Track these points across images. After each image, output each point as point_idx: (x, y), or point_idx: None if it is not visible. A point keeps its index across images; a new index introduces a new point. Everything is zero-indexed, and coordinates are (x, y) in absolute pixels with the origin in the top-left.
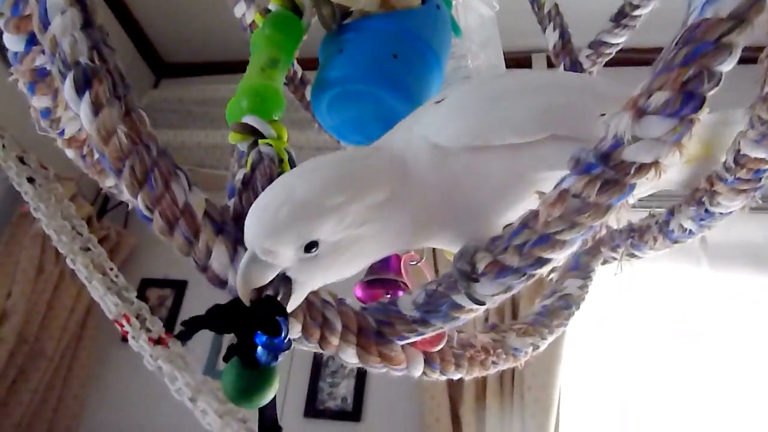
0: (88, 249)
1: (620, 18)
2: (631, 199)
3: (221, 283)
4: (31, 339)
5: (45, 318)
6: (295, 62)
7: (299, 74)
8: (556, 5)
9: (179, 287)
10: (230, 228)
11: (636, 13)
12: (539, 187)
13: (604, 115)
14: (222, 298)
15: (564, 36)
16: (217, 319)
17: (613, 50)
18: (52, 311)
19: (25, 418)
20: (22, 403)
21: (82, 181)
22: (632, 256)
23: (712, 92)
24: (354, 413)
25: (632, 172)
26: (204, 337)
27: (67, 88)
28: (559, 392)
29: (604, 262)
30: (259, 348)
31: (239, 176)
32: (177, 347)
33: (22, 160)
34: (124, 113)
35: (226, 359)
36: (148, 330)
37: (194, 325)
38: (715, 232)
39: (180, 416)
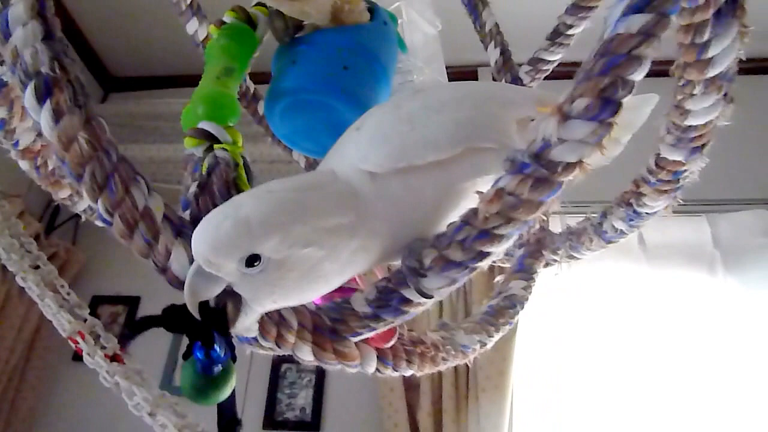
0: (38, 267)
1: (555, 36)
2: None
3: (180, 284)
4: None
5: None
6: (248, 78)
7: (252, 89)
8: (497, 24)
9: (132, 303)
10: (188, 230)
11: (570, 32)
12: (473, 192)
13: (531, 119)
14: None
15: (504, 53)
16: (170, 319)
17: (551, 66)
18: None
19: None
20: None
21: (28, 198)
22: (571, 257)
23: (626, 98)
24: (313, 423)
25: (559, 170)
26: (159, 351)
27: (28, 97)
28: (512, 392)
29: (546, 264)
30: (197, 356)
31: (195, 181)
32: (133, 363)
33: None
34: (84, 121)
35: (184, 357)
36: (103, 347)
37: (148, 322)
38: (653, 234)
39: None
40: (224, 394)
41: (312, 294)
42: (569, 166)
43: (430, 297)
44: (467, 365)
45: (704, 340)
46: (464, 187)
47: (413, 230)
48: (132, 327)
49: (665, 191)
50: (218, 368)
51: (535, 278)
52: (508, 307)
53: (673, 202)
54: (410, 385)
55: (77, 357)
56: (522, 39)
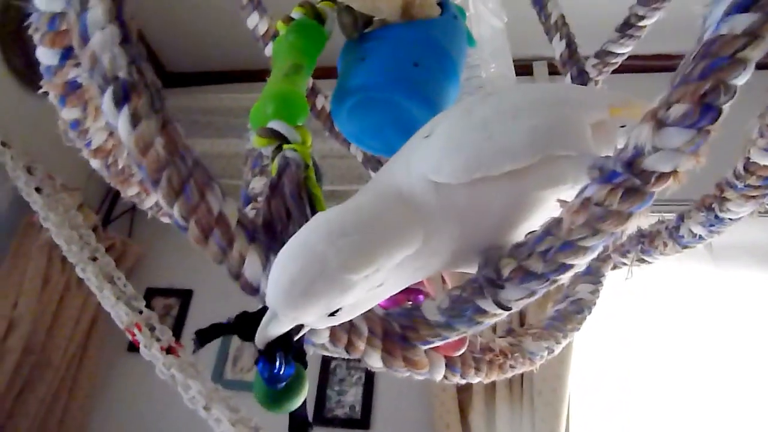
0: (96, 258)
1: (626, 28)
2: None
3: (253, 290)
4: (38, 349)
5: (51, 328)
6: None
7: (310, 83)
8: (563, 16)
9: (185, 296)
10: (262, 236)
11: (641, 23)
12: (545, 201)
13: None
14: (223, 305)
15: (570, 46)
16: (243, 327)
17: (619, 59)
18: (58, 321)
19: (31, 429)
20: (29, 415)
21: (86, 191)
22: (642, 261)
23: (728, 104)
24: (362, 421)
25: (652, 180)
26: (210, 346)
27: (107, 102)
28: (569, 397)
29: (614, 267)
30: (261, 370)
31: (260, 180)
32: (186, 356)
33: (29, 170)
34: (161, 126)
35: (257, 362)
36: (158, 339)
37: (218, 330)
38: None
39: (185, 426)
40: (297, 402)
41: (373, 305)
42: (663, 176)
43: (508, 309)
44: None
45: None
46: (536, 197)
47: (480, 239)
48: (202, 334)
49: (753, 197)
50: (282, 385)
51: (603, 282)
52: (575, 312)
53: (759, 208)
54: (463, 386)
55: (132, 348)
56: (589, 30)
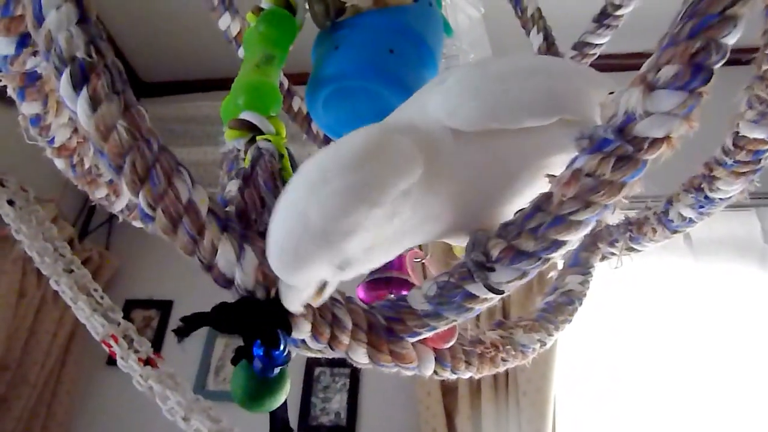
0: (72, 270)
1: (603, 18)
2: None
3: (227, 282)
4: (14, 365)
5: (27, 343)
6: (282, 73)
7: (285, 85)
8: (539, 9)
9: (165, 307)
10: (235, 225)
11: (618, 12)
12: (547, 172)
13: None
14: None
15: (548, 38)
16: (222, 317)
17: (597, 50)
18: (34, 336)
19: None
20: None
21: (62, 203)
22: (631, 249)
23: (719, 64)
24: (348, 427)
25: (645, 146)
26: (192, 356)
27: (64, 85)
28: (554, 396)
29: (603, 258)
30: (256, 359)
31: (236, 183)
32: (166, 367)
33: (1, 183)
34: (123, 108)
35: (233, 362)
36: (136, 351)
37: (197, 321)
38: (699, 229)
39: None
40: (279, 400)
41: (382, 261)
42: (656, 142)
43: (499, 292)
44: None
45: (755, 337)
46: (541, 165)
47: (479, 201)
48: (182, 327)
49: (743, 173)
50: (276, 370)
51: (592, 273)
52: (566, 303)
53: (750, 186)
54: (448, 389)
55: (111, 361)
56: (565, 23)
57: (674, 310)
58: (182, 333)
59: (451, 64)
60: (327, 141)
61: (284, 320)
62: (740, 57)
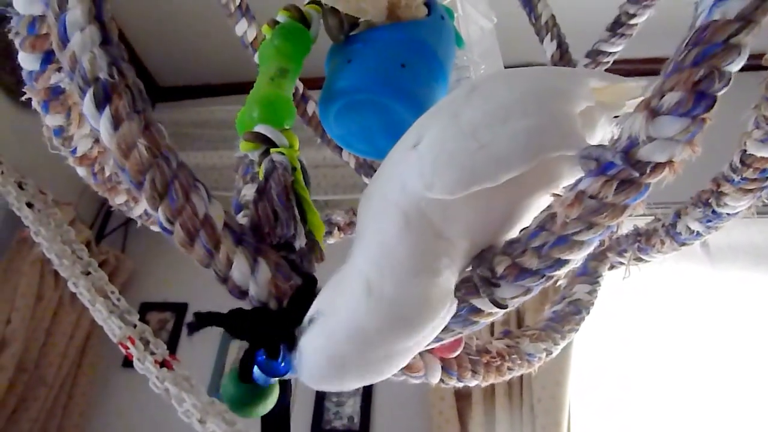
0: (89, 273)
1: (617, 27)
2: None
3: (241, 293)
4: (31, 367)
5: (45, 345)
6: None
7: (300, 90)
8: (553, 16)
9: (179, 310)
10: (249, 239)
11: (632, 21)
12: (546, 200)
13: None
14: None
15: (561, 46)
16: (233, 321)
17: (611, 59)
18: (51, 338)
19: None
20: None
21: (79, 206)
22: (639, 260)
23: (722, 92)
24: None
25: (648, 171)
26: (206, 359)
27: (87, 104)
28: (569, 403)
29: (611, 267)
30: (256, 367)
31: (251, 187)
32: (182, 370)
33: (20, 186)
34: (143, 127)
35: (241, 367)
36: (152, 353)
37: (209, 319)
38: (717, 236)
39: None
40: (268, 406)
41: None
42: (658, 167)
43: (504, 307)
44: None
45: None
46: (535, 198)
47: (490, 236)
48: (194, 322)
49: (750, 190)
50: (272, 380)
51: (600, 282)
52: (573, 313)
53: (757, 202)
54: (461, 395)
55: (127, 364)
56: (579, 31)
57: (690, 317)
58: (194, 328)
59: (462, 76)
60: (340, 147)
61: (289, 334)
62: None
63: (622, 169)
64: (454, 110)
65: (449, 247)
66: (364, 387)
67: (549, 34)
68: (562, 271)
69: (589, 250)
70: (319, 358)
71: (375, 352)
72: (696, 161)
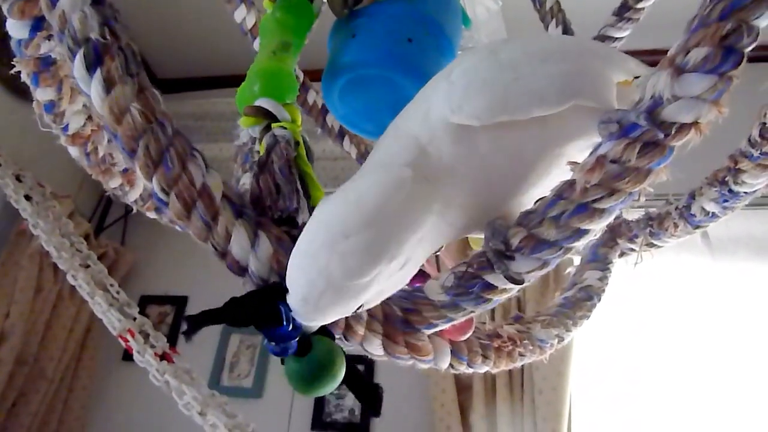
0: (88, 266)
1: (623, 11)
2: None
3: (241, 269)
4: (31, 360)
5: (44, 338)
6: (297, 66)
7: (301, 77)
8: (558, 2)
9: (180, 303)
10: (249, 211)
11: (639, 5)
12: (567, 160)
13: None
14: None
15: (567, 32)
16: (227, 311)
17: (617, 44)
18: (50, 331)
19: None
20: (23, 426)
21: (78, 199)
22: (651, 245)
23: (750, 47)
24: (362, 425)
25: (673, 132)
26: (207, 352)
27: (77, 67)
28: (570, 395)
29: (622, 254)
30: (271, 343)
31: (246, 172)
32: (182, 362)
33: (18, 178)
34: (137, 90)
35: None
36: (152, 345)
37: (203, 319)
38: (717, 227)
39: None
40: (339, 375)
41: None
42: (684, 128)
43: (519, 282)
44: (522, 365)
45: None
46: (560, 153)
47: (496, 194)
48: (192, 321)
49: None
50: (294, 344)
51: (611, 269)
52: (585, 299)
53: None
54: (463, 387)
55: (127, 357)
56: (585, 16)
57: (691, 309)
58: (190, 332)
59: None
60: (341, 135)
61: (279, 291)
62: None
63: (646, 131)
64: (492, 48)
65: (446, 195)
66: None
67: (554, 19)
68: (581, 242)
69: (610, 219)
70: (298, 276)
71: (344, 262)
72: (705, 150)
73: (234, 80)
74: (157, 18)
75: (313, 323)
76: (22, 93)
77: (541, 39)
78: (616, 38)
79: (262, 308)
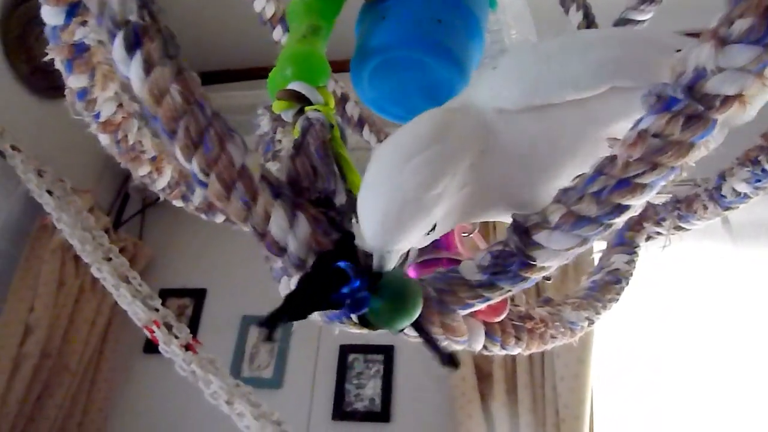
0: (110, 259)
1: None
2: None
3: (280, 249)
4: (55, 353)
5: (67, 331)
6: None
7: None
8: None
9: (198, 296)
10: (287, 192)
11: None
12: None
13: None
14: (238, 302)
15: (588, 16)
16: (299, 301)
17: (640, 27)
18: (73, 324)
19: None
20: (49, 419)
21: (96, 194)
22: (679, 228)
23: None
24: (383, 414)
25: (717, 105)
26: (227, 344)
27: (117, 49)
28: (592, 382)
29: (648, 238)
30: (344, 305)
31: (272, 165)
32: (204, 353)
33: (39, 174)
34: (176, 72)
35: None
36: (176, 336)
37: (275, 319)
38: (738, 213)
39: (204, 425)
40: (419, 293)
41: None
42: (728, 100)
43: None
44: (542, 352)
45: None
46: (601, 137)
47: (536, 180)
48: (269, 322)
49: None
50: (366, 293)
51: (638, 252)
52: (613, 282)
53: None
54: (483, 375)
55: (148, 349)
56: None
57: (712, 295)
58: (271, 334)
59: (495, 39)
60: (361, 124)
61: (352, 250)
62: None
63: (689, 104)
64: (536, 44)
65: (485, 165)
66: (385, 369)
67: (575, 3)
68: (621, 219)
69: (651, 194)
70: (374, 200)
71: (418, 174)
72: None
73: (251, 73)
74: (171, 10)
75: (396, 244)
76: (40, 91)
77: (589, 32)
78: (639, 21)
79: (325, 278)
